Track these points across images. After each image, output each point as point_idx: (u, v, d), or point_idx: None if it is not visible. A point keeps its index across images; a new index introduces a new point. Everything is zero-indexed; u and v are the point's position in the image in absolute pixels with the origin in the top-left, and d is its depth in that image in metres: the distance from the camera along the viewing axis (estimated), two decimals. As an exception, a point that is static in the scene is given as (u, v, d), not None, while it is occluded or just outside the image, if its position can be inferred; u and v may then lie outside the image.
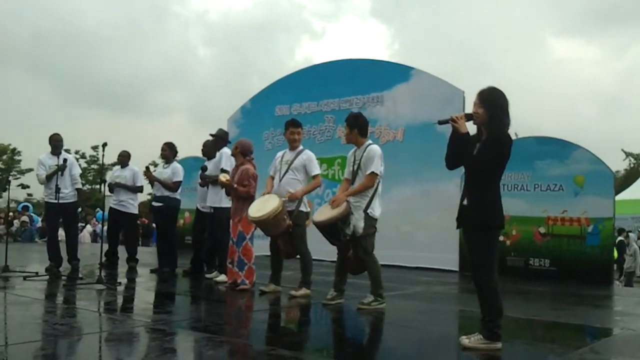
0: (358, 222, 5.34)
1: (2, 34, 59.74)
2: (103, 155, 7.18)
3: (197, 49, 78.94)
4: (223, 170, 7.11)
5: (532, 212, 9.14)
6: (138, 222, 17.36)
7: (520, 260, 9.19)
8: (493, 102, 3.83)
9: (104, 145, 6.93)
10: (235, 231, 6.43)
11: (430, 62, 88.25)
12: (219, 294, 6.50)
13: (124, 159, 9.02)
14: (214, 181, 7.31)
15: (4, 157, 37.47)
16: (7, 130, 54.39)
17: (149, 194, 8.71)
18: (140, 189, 9.01)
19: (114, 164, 9.20)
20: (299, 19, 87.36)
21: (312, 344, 4.37)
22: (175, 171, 8.32)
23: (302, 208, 6.18)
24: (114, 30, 71.39)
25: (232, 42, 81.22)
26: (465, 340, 3.83)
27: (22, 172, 36.90)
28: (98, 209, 9.80)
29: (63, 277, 7.14)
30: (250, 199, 6.33)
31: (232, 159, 7.21)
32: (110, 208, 8.92)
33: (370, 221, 5.35)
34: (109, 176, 9.20)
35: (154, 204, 8.45)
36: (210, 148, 7.91)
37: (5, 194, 33.29)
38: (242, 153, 6.62)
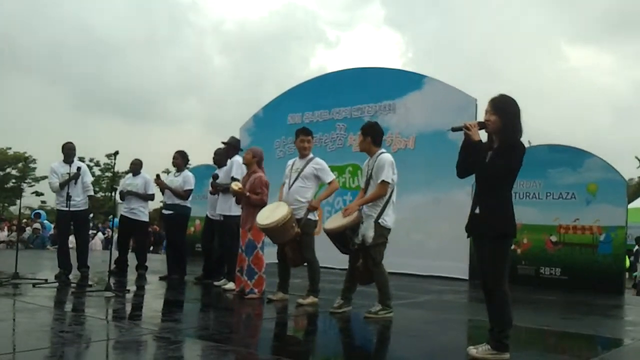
0: (367, 231, 5.32)
1: (18, 43, 60.64)
2: (114, 164, 7.23)
3: (212, 58, 79.70)
4: (233, 179, 7.12)
5: (544, 221, 9.06)
6: (150, 229, 17.51)
7: (531, 268, 9.11)
8: (505, 110, 3.80)
9: (116, 153, 6.99)
10: (245, 239, 6.43)
11: (444, 70, 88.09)
12: (226, 301, 6.49)
13: (135, 167, 9.06)
14: (224, 189, 7.32)
15: (19, 164, 37.87)
16: (23, 138, 55.17)
17: (161, 201, 8.72)
18: (151, 197, 9.04)
19: (127, 172, 9.23)
20: (314, 28, 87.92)
21: (318, 354, 4.35)
22: (186, 179, 8.36)
23: (311, 216, 6.15)
24: (130, 39, 72.30)
25: (247, 51, 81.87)
26: (473, 350, 3.79)
27: (37, 180, 37.23)
28: (112, 216, 9.85)
29: (72, 285, 7.18)
30: (262, 206, 6.32)
31: (243, 167, 7.21)
32: (121, 216, 8.97)
33: (381, 231, 5.31)
34: (121, 184, 9.24)
35: (165, 211, 8.48)
36: (222, 156, 7.92)
37: (20, 202, 33.65)
38: (258, 162, 6.64)
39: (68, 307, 5.82)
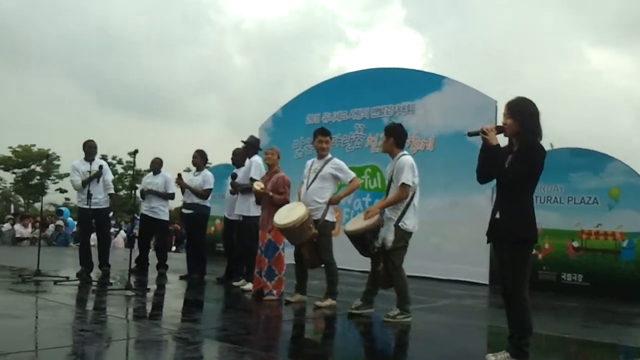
0: (387, 235, 5.29)
1: (40, 41, 61.52)
2: (134, 162, 7.29)
3: (232, 57, 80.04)
4: (252, 180, 7.14)
5: (566, 226, 8.94)
6: (171, 228, 17.62)
7: (552, 274, 8.99)
8: (522, 112, 3.75)
9: (135, 152, 7.03)
10: (264, 240, 6.43)
11: (464, 71, 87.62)
12: (245, 302, 6.51)
13: (156, 165, 9.12)
14: (243, 189, 7.34)
15: (43, 162, 38.35)
16: (46, 135, 55.92)
17: (182, 200, 8.78)
18: (171, 196, 9.11)
19: (148, 171, 9.31)
20: (334, 27, 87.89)
21: (335, 357, 4.33)
22: (206, 179, 8.42)
23: (328, 217, 6.13)
24: (151, 37, 72.94)
25: (267, 50, 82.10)
26: (492, 358, 3.74)
27: (61, 177, 37.68)
28: (134, 214, 9.95)
29: (93, 282, 7.26)
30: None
31: (262, 167, 7.24)
32: (142, 214, 9.04)
33: (402, 234, 5.28)
34: (142, 183, 9.33)
35: (184, 211, 8.55)
36: (240, 156, 7.94)
37: (44, 198, 34.11)
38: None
39: (89, 305, 5.90)
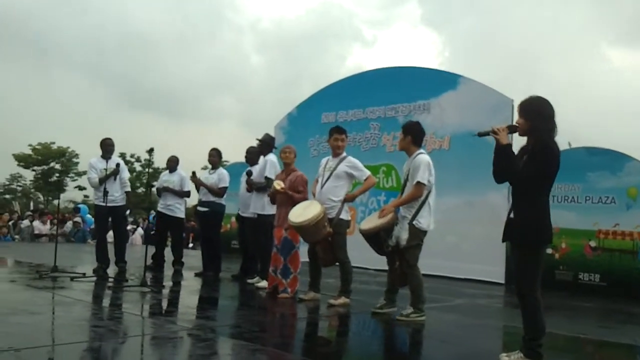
0: (401, 233, 5.28)
1: (61, 40, 62.21)
2: (149, 160, 7.33)
3: (249, 56, 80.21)
4: (267, 178, 7.16)
5: (583, 225, 8.84)
6: (189, 225, 17.72)
7: (569, 274, 8.91)
8: (533, 111, 3.72)
9: (151, 150, 7.08)
10: (279, 238, 6.44)
11: (482, 70, 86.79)
12: (259, 300, 6.53)
13: (172, 163, 9.17)
14: (258, 187, 7.36)
15: (63, 159, 38.81)
16: (66, 132, 56.57)
17: (199, 198, 8.82)
18: (187, 194, 9.16)
19: (165, 169, 9.38)
20: (350, 26, 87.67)
21: (346, 356, 4.33)
22: (221, 177, 8.47)
23: (343, 216, 6.12)
24: (170, 36, 73.33)
25: (284, 49, 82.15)
26: (505, 358, 3.72)
27: (80, 174, 38.08)
28: (153, 211, 10.04)
29: (109, 279, 7.33)
30: None
31: (277, 166, 7.25)
32: (158, 212, 9.11)
33: (416, 233, 5.26)
34: (158, 181, 9.40)
35: (199, 208, 8.60)
36: (254, 155, 7.96)
37: (63, 195, 34.54)
38: None
39: (104, 301, 5.96)
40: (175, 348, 3.98)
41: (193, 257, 10.30)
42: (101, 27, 65.98)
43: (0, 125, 50.85)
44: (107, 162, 8.14)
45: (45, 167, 38.35)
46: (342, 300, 5.99)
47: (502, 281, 9.34)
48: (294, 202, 6.28)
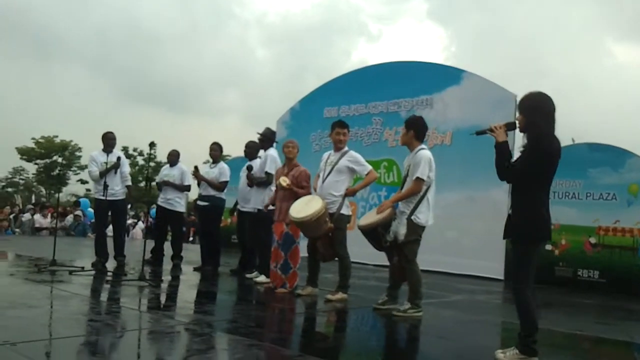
0: (399, 228, 5.28)
1: (65, 34, 62.24)
2: (150, 154, 7.32)
3: (255, 50, 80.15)
4: (267, 174, 7.15)
5: (583, 222, 8.84)
6: (190, 220, 17.73)
7: (568, 270, 8.90)
8: (530, 107, 3.71)
9: (151, 144, 7.06)
10: (280, 233, 6.43)
11: (488, 65, 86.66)
12: (256, 295, 6.53)
13: (172, 158, 9.16)
14: (259, 183, 7.35)
15: (65, 152, 38.88)
16: (69, 126, 56.64)
17: (199, 192, 8.81)
18: (187, 188, 9.16)
19: (166, 163, 9.38)
20: (356, 21, 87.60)
21: (343, 352, 4.32)
22: (222, 171, 8.45)
23: (344, 211, 6.11)
24: (174, 30, 73.40)
25: (289, 44, 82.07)
26: (500, 354, 3.73)
27: (82, 168, 38.14)
28: (154, 205, 10.05)
29: (108, 273, 7.34)
30: None
31: (278, 161, 7.23)
32: (158, 206, 9.11)
33: (414, 228, 5.25)
34: (159, 175, 9.40)
35: (199, 202, 8.59)
36: (252, 149, 7.96)
37: (65, 189, 34.61)
38: None
39: (102, 295, 5.96)
40: (172, 343, 3.98)
41: (192, 252, 10.30)
42: (105, 21, 66.13)
43: (4, 118, 51.00)
44: (108, 155, 8.13)
45: (47, 160, 38.41)
46: (340, 295, 5.99)
47: (502, 277, 9.33)
48: (296, 197, 6.26)
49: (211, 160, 8.73)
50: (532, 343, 3.64)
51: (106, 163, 8.04)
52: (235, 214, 8.66)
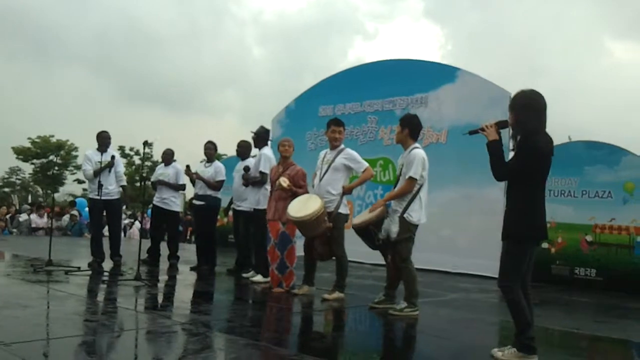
0: (392, 226, 5.28)
1: (64, 33, 62.05)
2: (144, 153, 7.33)
3: (251, 49, 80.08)
4: (262, 173, 7.13)
5: (579, 220, 8.84)
6: (187, 219, 17.67)
7: (565, 268, 8.90)
8: (519, 105, 3.72)
9: (145, 143, 7.07)
10: (276, 232, 6.40)
11: (484, 64, 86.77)
12: (252, 294, 6.51)
13: (167, 157, 9.14)
14: (254, 182, 7.33)
15: (61, 152, 38.75)
16: (65, 125, 56.51)
17: (195, 192, 8.78)
18: (182, 187, 9.13)
19: (161, 162, 9.36)
20: (352, 19, 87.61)
21: (339, 351, 4.31)
22: (217, 170, 8.42)
23: (342, 210, 6.10)
24: (172, 30, 73.30)
25: (285, 42, 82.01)
26: (498, 353, 3.72)
27: (79, 168, 38.04)
28: (151, 205, 10.04)
29: (104, 273, 7.31)
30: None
31: (272, 160, 7.20)
32: (153, 205, 9.08)
33: (407, 226, 5.25)
34: (154, 174, 9.37)
35: (195, 202, 8.55)
36: (245, 148, 7.95)
37: (62, 189, 34.50)
38: None
39: (98, 295, 5.93)
40: (168, 342, 3.97)
41: (189, 251, 10.28)
42: (103, 21, 65.92)
43: (3, 118, 50.82)
44: (102, 154, 8.10)
45: (44, 160, 38.26)
46: (336, 294, 5.98)
47: (498, 276, 9.30)
48: (291, 197, 6.24)
49: (206, 159, 8.69)
50: (529, 340, 3.64)
51: (100, 162, 8.00)
52: (230, 213, 8.63)
